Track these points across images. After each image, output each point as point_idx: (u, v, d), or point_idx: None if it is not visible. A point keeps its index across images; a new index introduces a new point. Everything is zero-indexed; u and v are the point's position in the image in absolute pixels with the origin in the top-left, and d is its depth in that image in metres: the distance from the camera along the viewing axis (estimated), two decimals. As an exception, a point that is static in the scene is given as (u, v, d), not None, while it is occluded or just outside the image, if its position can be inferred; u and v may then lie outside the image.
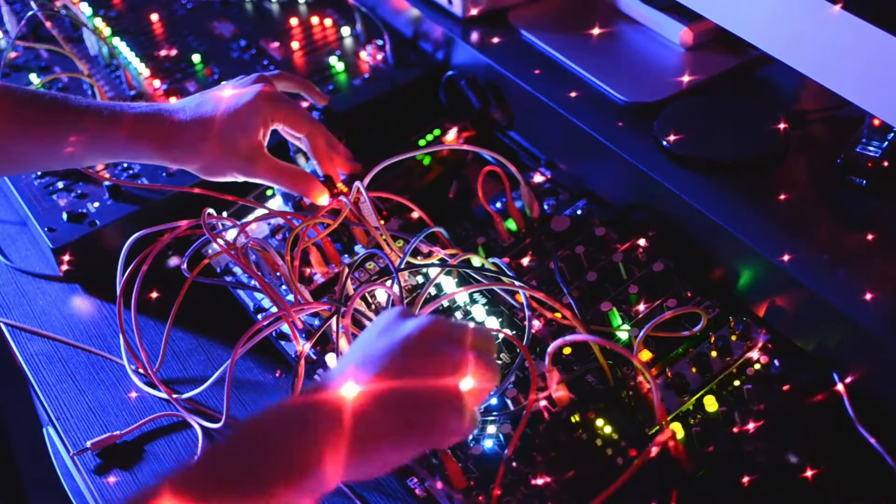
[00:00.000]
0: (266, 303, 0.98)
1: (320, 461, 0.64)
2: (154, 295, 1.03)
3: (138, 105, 0.97)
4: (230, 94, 0.97)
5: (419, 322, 0.70)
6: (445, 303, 0.92)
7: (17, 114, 0.93)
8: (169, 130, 0.95)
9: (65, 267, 1.05)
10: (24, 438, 1.63)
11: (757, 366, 0.84)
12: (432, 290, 0.94)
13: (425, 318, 0.71)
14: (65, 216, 1.06)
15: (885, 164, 0.86)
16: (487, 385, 0.71)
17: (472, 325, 0.73)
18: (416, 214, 1.01)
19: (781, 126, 0.94)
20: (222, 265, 1.03)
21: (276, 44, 1.28)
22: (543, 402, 0.83)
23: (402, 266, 0.89)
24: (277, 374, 0.95)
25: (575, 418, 0.83)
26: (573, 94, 1.03)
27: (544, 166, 1.08)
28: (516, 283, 0.90)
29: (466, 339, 0.71)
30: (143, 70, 1.25)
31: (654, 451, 0.70)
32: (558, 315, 0.89)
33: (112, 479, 0.87)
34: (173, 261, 1.05)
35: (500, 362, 0.88)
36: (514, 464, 0.80)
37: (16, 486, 1.65)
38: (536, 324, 0.90)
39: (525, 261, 0.97)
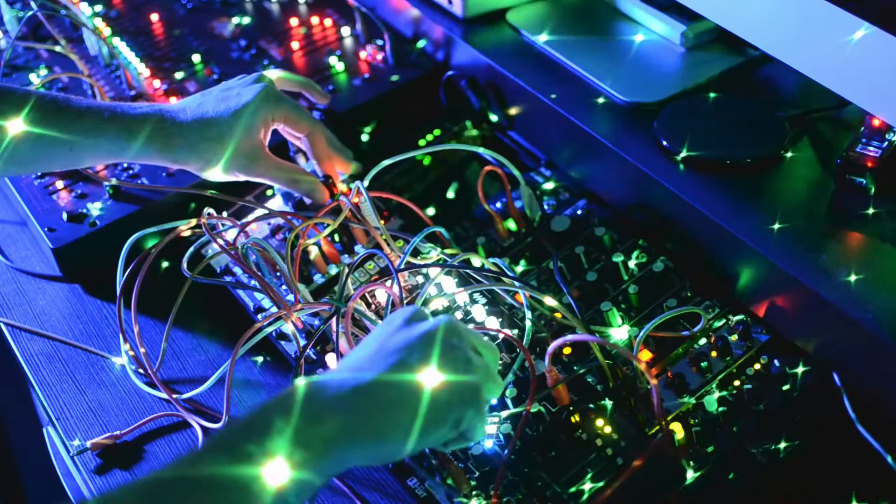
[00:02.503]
0: (266, 303, 0.98)
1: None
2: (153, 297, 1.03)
3: (139, 105, 0.97)
4: (231, 93, 0.97)
5: (438, 319, 0.72)
6: (445, 303, 0.92)
7: (17, 115, 0.93)
8: (170, 131, 0.95)
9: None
10: (24, 438, 1.63)
11: (757, 366, 0.84)
12: (432, 290, 0.94)
13: (443, 317, 0.72)
14: (65, 216, 1.06)
15: (886, 164, 0.86)
16: (495, 391, 0.73)
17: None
18: (415, 214, 1.01)
19: (781, 126, 0.94)
20: (222, 265, 1.03)
21: (276, 44, 1.28)
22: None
23: (402, 266, 0.89)
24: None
25: (575, 418, 0.83)
26: (573, 95, 1.03)
27: (544, 166, 1.08)
28: (516, 283, 0.90)
29: (477, 344, 0.73)
30: (143, 70, 1.25)
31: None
32: (558, 315, 0.89)
33: (112, 480, 0.87)
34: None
35: (500, 362, 0.88)
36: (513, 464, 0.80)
37: (16, 486, 1.65)
38: (533, 325, 0.90)
39: (524, 261, 0.97)
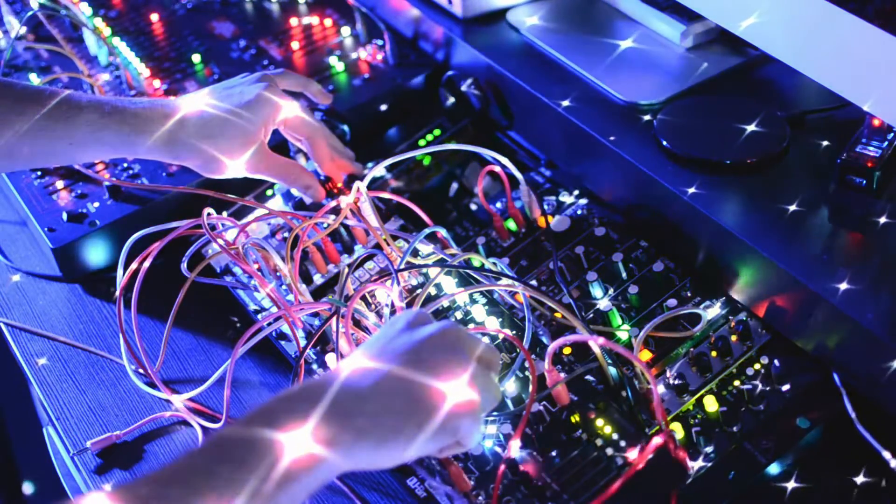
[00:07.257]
0: (266, 303, 0.98)
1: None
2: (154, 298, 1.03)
3: (140, 100, 0.97)
4: (233, 91, 0.97)
5: (440, 324, 0.72)
6: (445, 303, 0.92)
7: (17, 109, 0.93)
8: (171, 126, 0.95)
9: None
10: (24, 438, 1.63)
11: (757, 366, 0.84)
12: (432, 290, 0.94)
13: (446, 322, 0.72)
14: (65, 216, 1.06)
15: (886, 164, 0.86)
16: (493, 400, 0.73)
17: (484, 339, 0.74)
18: (416, 214, 1.01)
19: (781, 126, 0.94)
20: (222, 265, 1.03)
21: (276, 44, 1.28)
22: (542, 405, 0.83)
23: (402, 266, 0.89)
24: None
25: (575, 418, 0.83)
26: (573, 94, 1.03)
27: (544, 166, 1.08)
28: (516, 283, 0.89)
29: (480, 351, 0.72)
30: (143, 70, 1.25)
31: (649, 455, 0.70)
32: (558, 315, 0.89)
33: (112, 480, 0.87)
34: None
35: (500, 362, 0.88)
36: (514, 463, 0.80)
37: (16, 486, 1.65)
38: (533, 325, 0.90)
39: (525, 261, 0.97)
